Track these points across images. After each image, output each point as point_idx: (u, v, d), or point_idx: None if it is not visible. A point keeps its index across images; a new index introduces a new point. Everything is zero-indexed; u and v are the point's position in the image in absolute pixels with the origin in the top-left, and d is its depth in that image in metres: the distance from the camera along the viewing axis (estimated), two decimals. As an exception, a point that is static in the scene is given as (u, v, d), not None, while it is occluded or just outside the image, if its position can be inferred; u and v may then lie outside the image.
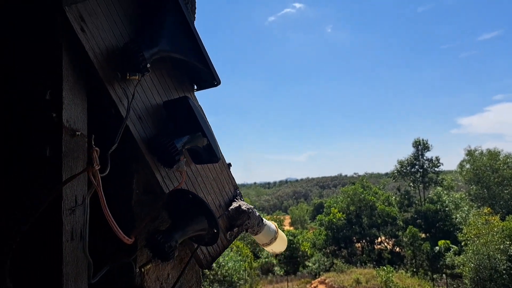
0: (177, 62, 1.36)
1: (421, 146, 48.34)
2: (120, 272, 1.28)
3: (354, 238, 42.34)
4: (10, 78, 1.21)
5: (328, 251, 40.87)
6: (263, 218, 1.52)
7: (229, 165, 1.59)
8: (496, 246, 30.80)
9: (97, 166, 1.08)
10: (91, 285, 1.14)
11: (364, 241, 42.46)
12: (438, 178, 48.26)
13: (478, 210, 40.02)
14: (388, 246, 41.90)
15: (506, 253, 30.14)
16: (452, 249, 36.29)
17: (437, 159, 48.12)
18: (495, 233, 31.82)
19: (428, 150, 48.54)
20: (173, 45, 1.30)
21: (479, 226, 34.09)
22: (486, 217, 35.82)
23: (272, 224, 1.54)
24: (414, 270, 36.92)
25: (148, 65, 1.22)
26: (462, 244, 35.29)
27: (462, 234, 35.90)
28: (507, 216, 36.88)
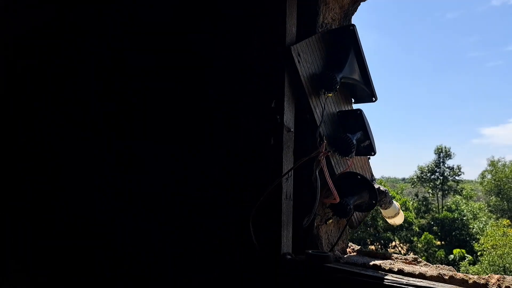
0: (348, 84, 1.92)
1: (443, 154, 48.34)
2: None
3: (368, 240, 42.69)
4: (251, 93, 1.80)
5: (341, 251, 41.30)
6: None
7: (369, 158, 2.15)
8: (513, 259, 30.85)
9: (328, 152, 1.66)
10: (301, 229, 1.72)
11: (378, 243, 42.79)
12: (458, 187, 48.22)
13: (497, 221, 39.94)
14: (402, 251, 42.12)
15: (523, 266, 30.14)
16: (467, 259, 36.37)
17: (459, 167, 48.07)
18: (512, 246, 31.82)
19: (450, 158, 48.55)
20: (352, 72, 1.85)
21: (496, 237, 34.13)
22: (505, 229, 35.81)
23: (397, 203, 2.10)
24: (427, 276, 37.09)
25: (338, 86, 1.78)
26: (478, 254, 35.33)
27: (478, 244, 35.99)
28: (526, 230, 36.73)
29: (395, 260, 1.74)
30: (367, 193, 1.79)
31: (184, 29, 2.13)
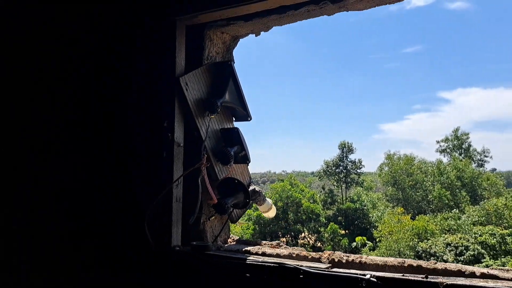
0: (228, 106, 2.35)
1: (346, 149, 52.12)
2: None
3: (280, 232, 44.54)
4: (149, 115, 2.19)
5: (255, 244, 42.57)
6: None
7: (247, 165, 2.62)
8: (406, 243, 34.22)
9: (207, 164, 2.08)
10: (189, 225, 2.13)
11: (289, 235, 44.85)
12: (359, 179, 52.32)
13: (393, 210, 44.11)
14: (311, 241, 44.64)
15: (414, 250, 33.58)
16: (368, 245, 39.63)
17: (360, 161, 52.18)
18: (405, 231, 35.30)
19: (352, 153, 52.53)
20: (231, 97, 2.30)
21: (392, 224, 37.68)
22: (399, 216, 39.70)
23: (269, 200, 2.60)
24: (333, 263, 39.67)
25: (219, 109, 2.21)
26: (377, 240, 38.63)
27: (377, 231, 39.46)
28: (417, 216, 41.07)
29: (263, 245, 2.23)
30: (243, 194, 2.27)
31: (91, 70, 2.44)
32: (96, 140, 2.39)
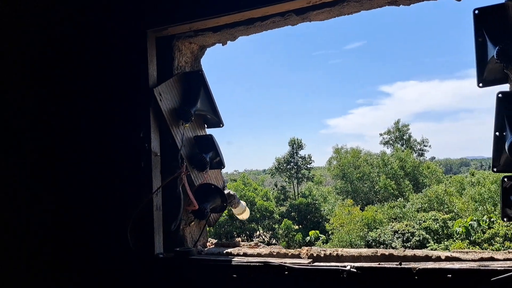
0: (201, 114, 2.42)
1: (295, 145, 53.16)
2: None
3: (235, 232, 44.59)
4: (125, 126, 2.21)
5: (210, 246, 42.36)
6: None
7: (220, 170, 2.69)
8: (357, 234, 35.43)
9: (187, 172, 2.13)
10: (170, 232, 2.17)
11: (244, 235, 45.01)
12: (310, 174, 53.56)
13: (343, 202, 45.56)
14: (266, 239, 45.04)
15: (365, 239, 34.83)
16: (321, 238, 40.64)
17: (309, 156, 53.39)
18: (356, 222, 36.56)
19: (302, 149, 53.63)
20: (203, 105, 2.36)
21: (343, 216, 38.91)
22: (349, 208, 41.07)
23: (243, 202, 2.69)
24: (289, 258, 40.27)
25: (192, 118, 2.27)
26: (330, 233, 39.70)
27: (329, 224, 40.58)
28: (366, 207, 42.68)
29: (242, 246, 2.33)
30: (220, 198, 2.35)
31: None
32: (77, 153, 2.37)
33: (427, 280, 1.57)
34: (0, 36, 2.60)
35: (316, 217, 45.97)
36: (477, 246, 25.77)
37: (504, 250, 1.89)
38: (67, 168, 2.36)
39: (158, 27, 2.17)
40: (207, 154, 2.33)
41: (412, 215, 38.22)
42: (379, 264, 1.72)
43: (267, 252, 2.12)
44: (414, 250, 1.90)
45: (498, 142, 1.63)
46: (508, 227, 26.01)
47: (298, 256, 2.06)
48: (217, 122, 2.50)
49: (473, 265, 1.56)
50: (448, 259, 1.74)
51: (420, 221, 35.31)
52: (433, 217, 35.37)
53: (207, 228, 2.54)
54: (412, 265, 1.64)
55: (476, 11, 1.73)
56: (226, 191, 2.53)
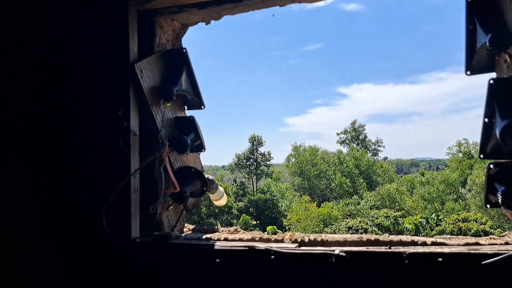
0: (182, 95, 2.31)
1: (256, 142, 53.35)
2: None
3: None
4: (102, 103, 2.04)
5: (167, 240, 41.79)
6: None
7: (199, 153, 2.59)
8: (313, 229, 36.13)
9: (170, 152, 2.02)
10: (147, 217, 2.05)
11: (201, 229, 44.68)
12: (269, 171, 53.96)
13: (300, 198, 46.26)
14: (223, 233, 44.89)
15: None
16: (278, 234, 41.08)
17: (269, 153, 53.73)
18: (312, 218, 37.27)
19: (262, 145, 53.89)
20: (185, 85, 2.25)
21: (300, 212, 39.56)
22: (306, 204, 41.79)
23: (221, 188, 2.61)
24: (245, 253, 40.49)
25: (174, 97, 2.16)
26: (287, 228, 40.18)
27: (286, 220, 41.12)
28: (322, 204, 43.56)
29: (221, 232, 2.26)
30: (199, 182, 2.27)
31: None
32: (56, 128, 2.19)
33: (418, 263, 1.57)
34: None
35: (273, 212, 46.38)
36: (426, 243, 26.88)
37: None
38: (41, 147, 2.19)
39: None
40: (188, 136, 2.23)
41: (366, 212, 39.41)
42: (367, 248, 1.70)
43: (249, 237, 2.06)
44: (400, 235, 1.91)
45: (487, 129, 1.65)
46: (454, 225, 27.40)
47: (281, 241, 2.01)
48: (198, 104, 2.40)
49: (463, 249, 1.58)
50: (434, 244, 1.76)
51: (373, 218, 36.45)
52: (385, 214, 36.62)
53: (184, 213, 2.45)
54: (402, 249, 1.64)
55: (469, -1, 1.75)
56: (206, 175, 2.45)
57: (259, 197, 46.35)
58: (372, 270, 1.64)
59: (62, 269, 2.13)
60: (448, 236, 1.88)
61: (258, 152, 53.32)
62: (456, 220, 28.54)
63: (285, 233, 2.06)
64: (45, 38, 2.21)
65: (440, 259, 1.53)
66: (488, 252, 1.48)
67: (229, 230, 2.28)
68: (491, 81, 1.62)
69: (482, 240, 1.72)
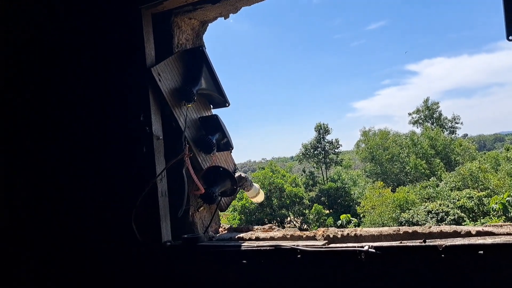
0: (205, 94, 2.28)
1: (322, 130, 52.58)
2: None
3: (265, 219, 44.69)
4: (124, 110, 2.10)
5: (242, 234, 42.68)
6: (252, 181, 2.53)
7: (230, 152, 2.56)
8: (389, 215, 34.90)
9: (190, 154, 2.01)
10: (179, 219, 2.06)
11: (275, 221, 45.04)
12: (338, 159, 52.96)
13: (373, 184, 44.88)
14: (297, 224, 44.97)
15: (397, 220, 34.26)
16: (352, 222, 40.25)
17: (337, 141, 52.74)
18: (387, 204, 36.00)
19: (329, 133, 53.02)
20: (206, 84, 2.22)
21: (374, 199, 38.37)
22: (380, 190, 40.44)
23: (257, 185, 2.55)
24: (321, 243, 40.15)
25: (195, 98, 2.13)
26: (361, 216, 39.27)
27: (360, 207, 40.13)
28: (397, 188, 41.91)
29: (256, 230, 2.20)
30: (229, 181, 2.22)
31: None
32: (73, 141, 2.28)
33: (455, 257, 1.40)
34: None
35: (346, 200, 45.50)
36: (515, 223, 24.84)
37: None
38: (64, 158, 2.28)
39: (151, 3, 2.03)
40: (214, 135, 2.19)
41: (446, 194, 37.29)
42: (400, 242, 1.55)
43: (280, 235, 1.98)
44: (441, 226, 1.72)
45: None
46: (548, 202, 24.96)
47: (313, 238, 1.91)
48: (223, 102, 2.35)
49: (509, 239, 1.37)
50: (479, 234, 1.56)
51: (454, 200, 34.46)
52: (467, 195, 34.45)
53: (219, 213, 2.42)
54: (438, 242, 1.46)
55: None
56: (237, 174, 2.40)
57: (330, 186, 45.69)
58: (404, 267, 1.49)
59: (93, 278, 2.21)
60: (500, 223, 1.65)
61: (326, 140, 52.52)
62: (550, 196, 26.02)
63: (318, 229, 1.95)
64: (63, 49, 2.28)
65: (481, 251, 1.35)
66: (538, 243, 1.27)
67: (263, 228, 2.21)
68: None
69: (538, 227, 1.49)
